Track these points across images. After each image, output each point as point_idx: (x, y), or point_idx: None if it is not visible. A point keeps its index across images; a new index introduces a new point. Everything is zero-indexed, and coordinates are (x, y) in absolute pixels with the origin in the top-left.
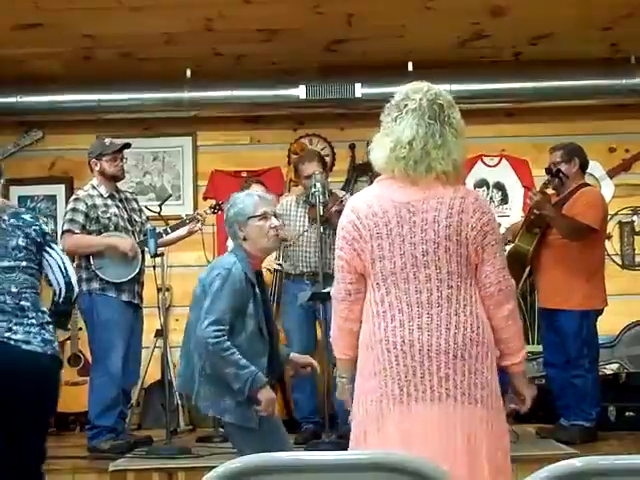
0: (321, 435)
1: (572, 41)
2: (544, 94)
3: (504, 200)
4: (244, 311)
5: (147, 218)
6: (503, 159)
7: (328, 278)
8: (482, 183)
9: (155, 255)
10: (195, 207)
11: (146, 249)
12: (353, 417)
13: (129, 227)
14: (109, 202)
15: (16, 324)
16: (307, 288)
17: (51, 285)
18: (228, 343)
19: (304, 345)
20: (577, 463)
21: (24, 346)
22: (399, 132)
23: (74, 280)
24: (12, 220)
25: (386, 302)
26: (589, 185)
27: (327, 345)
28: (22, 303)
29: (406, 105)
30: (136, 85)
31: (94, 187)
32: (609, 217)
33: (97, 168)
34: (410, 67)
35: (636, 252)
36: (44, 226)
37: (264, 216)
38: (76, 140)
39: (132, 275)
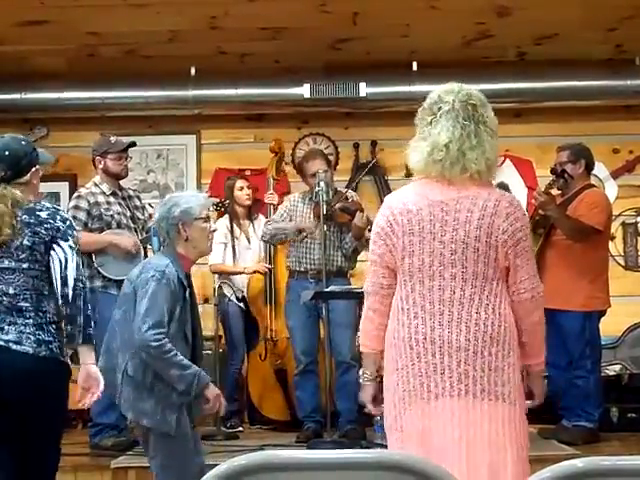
0: (323, 434)
1: (576, 42)
2: (548, 95)
3: None
4: (172, 314)
5: (150, 216)
6: (507, 159)
7: (331, 276)
8: None
9: None
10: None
11: (149, 247)
12: (385, 409)
13: (132, 225)
14: (112, 200)
15: (9, 324)
16: (310, 286)
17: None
18: (169, 345)
19: (307, 343)
20: (579, 464)
21: (14, 346)
22: (435, 135)
23: (71, 278)
24: (24, 217)
25: (410, 299)
26: (594, 186)
27: (330, 343)
28: (20, 304)
29: (440, 108)
30: (140, 83)
31: (96, 184)
32: (612, 218)
33: (101, 165)
34: (415, 66)
35: (639, 253)
36: (59, 223)
37: (207, 219)
38: (80, 137)
39: None
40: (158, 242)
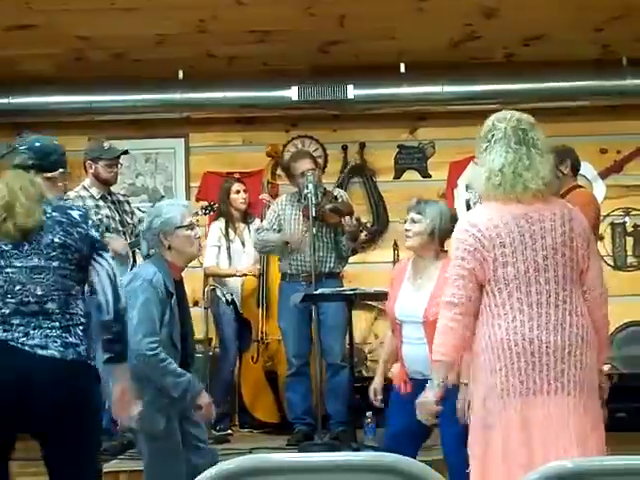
0: (314, 436)
1: (564, 42)
2: (536, 95)
3: None
4: (161, 321)
5: (139, 220)
6: None
7: (323, 278)
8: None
9: (148, 256)
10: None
11: (138, 250)
12: (472, 412)
13: (121, 229)
14: (101, 203)
15: (34, 328)
16: (302, 289)
17: (96, 295)
18: (163, 354)
19: (299, 346)
20: (569, 464)
21: (40, 351)
22: (490, 162)
23: (122, 291)
24: (55, 214)
25: (507, 305)
26: (582, 187)
27: (321, 346)
28: (47, 306)
29: (493, 135)
30: (128, 86)
31: (85, 188)
32: (601, 218)
33: (92, 170)
34: (402, 68)
35: (628, 253)
36: (92, 231)
37: (190, 226)
38: (68, 141)
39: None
40: (147, 246)
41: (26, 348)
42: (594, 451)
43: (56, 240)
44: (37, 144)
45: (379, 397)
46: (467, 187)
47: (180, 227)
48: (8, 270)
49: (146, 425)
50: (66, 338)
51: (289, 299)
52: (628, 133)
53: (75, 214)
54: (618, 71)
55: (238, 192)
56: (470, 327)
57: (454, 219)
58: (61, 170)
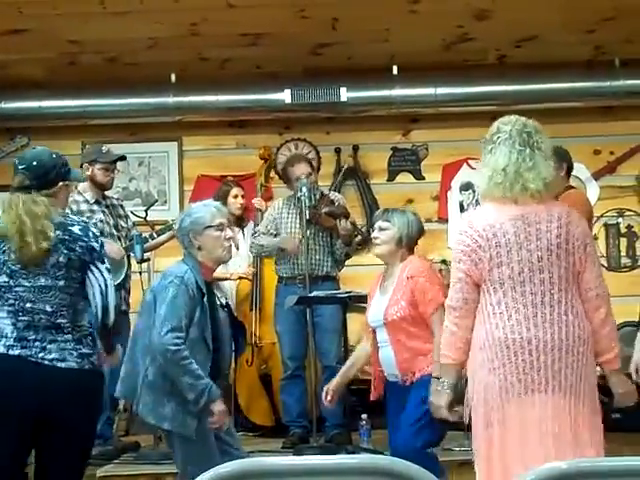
0: (309, 439)
1: (556, 44)
2: (528, 97)
3: None
4: (191, 319)
5: (133, 224)
6: None
7: (319, 281)
8: (467, 186)
9: (142, 261)
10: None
11: (132, 255)
12: (474, 409)
13: (115, 233)
14: (95, 208)
15: (50, 342)
16: (298, 291)
17: (90, 307)
18: (187, 352)
19: (295, 349)
20: (563, 465)
21: (59, 364)
22: (494, 161)
23: (112, 306)
24: (57, 232)
25: (503, 304)
26: (574, 188)
27: (316, 348)
28: (58, 321)
29: (498, 137)
30: (121, 90)
31: (80, 193)
32: (595, 219)
33: (88, 173)
34: (395, 71)
35: (622, 254)
36: (93, 242)
37: (220, 227)
38: (61, 146)
39: (118, 281)
40: (140, 250)
41: (45, 362)
42: (597, 451)
43: (61, 259)
44: (34, 163)
45: (329, 397)
46: (461, 189)
47: (209, 227)
48: (17, 289)
49: (178, 427)
50: (80, 349)
51: (284, 302)
52: (621, 134)
53: (76, 229)
54: (610, 72)
55: (236, 197)
56: (471, 328)
57: (421, 227)
58: (61, 184)
